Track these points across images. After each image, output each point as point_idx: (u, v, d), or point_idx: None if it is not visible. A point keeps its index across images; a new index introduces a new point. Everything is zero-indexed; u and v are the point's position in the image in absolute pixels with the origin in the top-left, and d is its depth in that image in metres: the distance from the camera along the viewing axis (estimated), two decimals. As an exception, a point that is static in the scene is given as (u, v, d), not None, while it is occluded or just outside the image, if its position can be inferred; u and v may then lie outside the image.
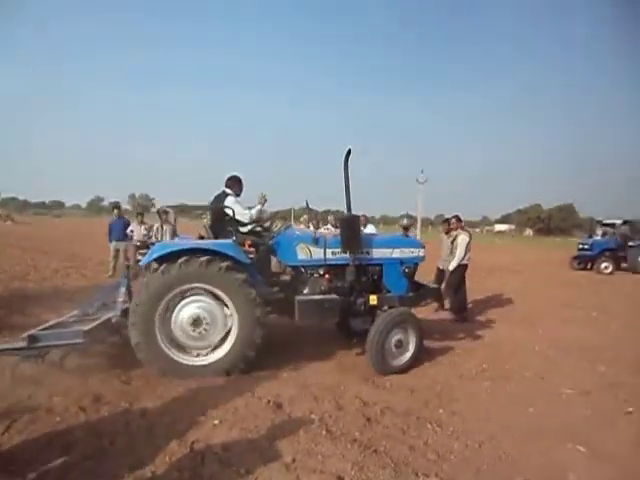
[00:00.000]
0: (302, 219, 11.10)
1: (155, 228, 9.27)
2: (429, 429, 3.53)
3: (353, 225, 4.98)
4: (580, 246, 18.11)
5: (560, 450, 3.30)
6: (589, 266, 17.40)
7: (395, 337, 4.74)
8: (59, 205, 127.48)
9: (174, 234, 7.28)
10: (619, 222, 18.45)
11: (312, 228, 5.24)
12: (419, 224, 27.55)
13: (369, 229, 8.50)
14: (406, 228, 5.61)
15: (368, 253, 5.17)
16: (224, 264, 4.31)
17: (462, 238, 7.55)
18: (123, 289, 4.87)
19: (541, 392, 4.39)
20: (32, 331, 4.14)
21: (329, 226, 8.94)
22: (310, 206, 5.33)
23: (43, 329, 4.28)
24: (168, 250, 4.33)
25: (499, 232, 72.03)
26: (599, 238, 18.27)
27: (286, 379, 4.36)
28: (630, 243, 17.42)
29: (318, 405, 3.78)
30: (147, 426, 3.31)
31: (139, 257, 8.51)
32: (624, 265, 17.25)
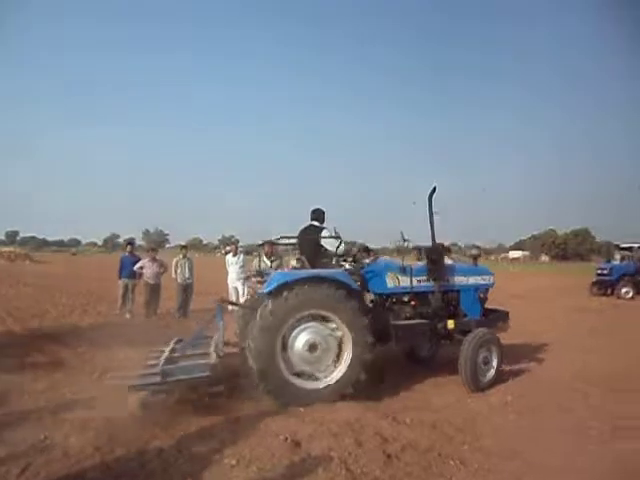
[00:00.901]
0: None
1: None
2: (452, 466, 3.40)
3: (438, 255, 5.39)
4: (599, 271, 17.81)
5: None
6: (609, 291, 17.04)
7: (482, 355, 5.18)
8: (76, 243, 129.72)
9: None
10: (637, 246, 18.16)
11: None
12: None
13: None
14: (475, 257, 6.27)
15: (448, 280, 5.57)
16: (341, 292, 4.57)
17: None
18: (222, 323, 4.94)
19: (568, 427, 4.21)
20: (164, 367, 4.31)
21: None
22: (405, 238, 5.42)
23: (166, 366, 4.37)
24: (290, 278, 4.52)
25: (514, 259, 71.24)
26: (618, 262, 17.97)
27: (303, 415, 4.26)
28: (650, 267, 17.09)
29: (337, 442, 3.67)
30: (163, 467, 3.25)
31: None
32: (645, 290, 16.87)
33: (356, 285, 4.83)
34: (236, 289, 10.40)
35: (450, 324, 5.39)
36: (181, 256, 10.48)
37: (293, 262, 5.47)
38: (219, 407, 4.36)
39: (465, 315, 5.70)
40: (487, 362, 5.24)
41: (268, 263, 7.51)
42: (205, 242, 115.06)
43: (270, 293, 4.51)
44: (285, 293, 4.44)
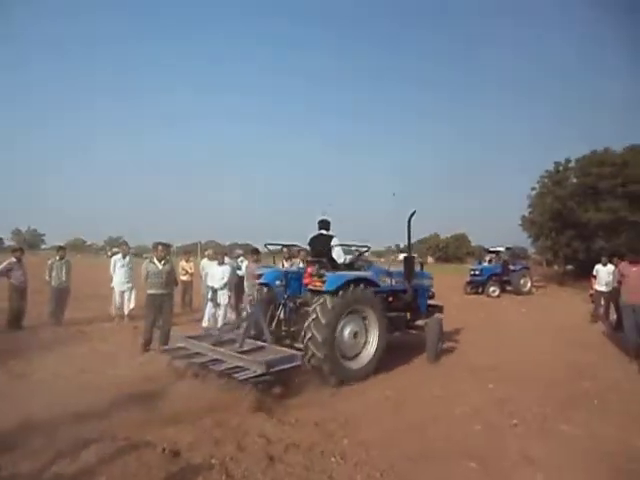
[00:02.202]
0: (206, 253, 10.90)
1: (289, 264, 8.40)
2: (333, 462, 3.51)
3: (411, 262, 7.06)
4: (472, 272, 19.72)
5: (454, 468, 3.47)
6: (480, 290, 18.97)
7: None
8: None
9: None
10: (502, 249, 20.47)
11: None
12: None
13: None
14: (422, 264, 7.89)
15: (414, 282, 7.07)
16: (372, 290, 5.97)
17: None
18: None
19: (438, 414, 4.61)
20: (267, 358, 4.69)
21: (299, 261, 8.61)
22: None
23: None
24: (343, 280, 5.54)
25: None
26: (487, 264, 20.07)
27: (184, 422, 4.04)
28: (511, 267, 19.38)
29: (219, 449, 3.58)
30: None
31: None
32: (509, 288, 19.08)
33: (381, 284, 6.30)
34: (122, 293, 9.73)
35: (408, 315, 7.14)
36: (57, 258, 9.48)
37: (286, 264, 7.33)
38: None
39: (418, 308, 7.28)
40: (440, 339, 6.96)
41: (159, 266, 7.13)
42: (89, 243, 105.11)
43: (329, 292, 5.39)
44: (341, 292, 5.46)
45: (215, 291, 8.84)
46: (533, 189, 26.38)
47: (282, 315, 6.04)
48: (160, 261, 7.22)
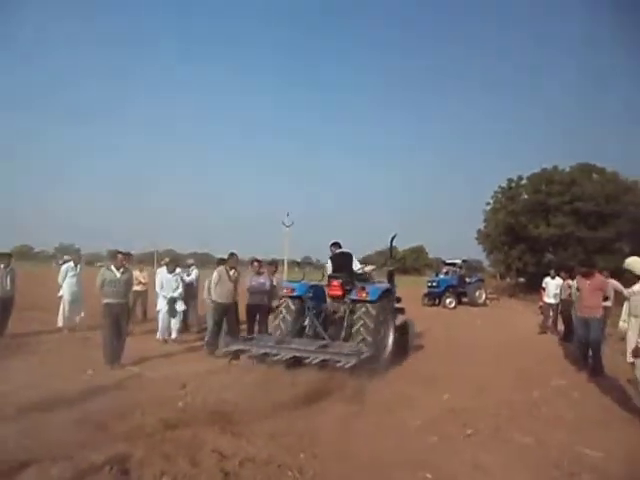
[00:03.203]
0: (162, 262, 10.62)
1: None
2: (290, 476, 3.44)
3: (393, 275, 8.21)
4: (429, 284, 20.18)
5: (409, 479, 3.48)
6: (437, 302, 19.41)
7: None
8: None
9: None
10: (459, 261, 21.09)
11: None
12: (285, 267, 27.97)
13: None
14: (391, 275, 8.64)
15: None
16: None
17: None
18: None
19: (394, 425, 4.63)
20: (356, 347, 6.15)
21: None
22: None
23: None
24: (382, 290, 7.00)
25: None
26: (443, 276, 20.60)
27: (134, 438, 3.87)
28: (467, 280, 19.98)
29: (170, 465, 3.43)
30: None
31: None
32: (465, 300, 19.64)
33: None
34: (72, 303, 9.29)
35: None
36: (2, 266, 8.94)
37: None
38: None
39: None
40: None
41: (117, 274, 6.87)
42: (37, 250, 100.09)
43: (372, 301, 6.62)
44: (384, 300, 7.00)
45: (171, 301, 8.61)
46: (488, 204, 27.53)
47: (310, 322, 7.09)
48: (118, 269, 6.96)
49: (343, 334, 6.76)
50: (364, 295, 6.64)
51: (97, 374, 6.07)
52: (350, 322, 6.74)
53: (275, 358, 6.06)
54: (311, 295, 7.13)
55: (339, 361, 5.73)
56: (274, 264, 9.43)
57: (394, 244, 8.79)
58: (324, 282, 7.54)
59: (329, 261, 7.71)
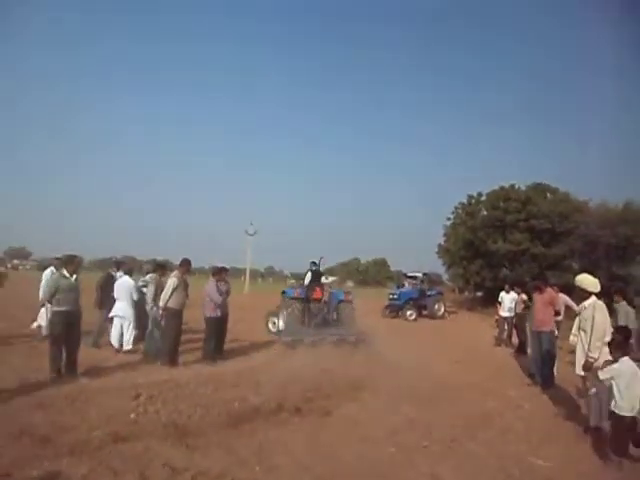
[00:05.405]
0: (120, 270, 10.20)
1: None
2: (244, 490, 3.34)
3: (317, 276, 11.25)
4: (390, 296, 20.39)
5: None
6: (398, 314, 19.62)
7: None
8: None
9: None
10: (420, 275, 21.46)
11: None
12: (247, 276, 27.64)
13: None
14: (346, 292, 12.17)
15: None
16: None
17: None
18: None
19: (352, 436, 4.58)
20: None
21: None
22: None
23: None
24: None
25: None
26: (405, 289, 20.89)
27: (79, 452, 3.66)
28: (428, 292, 20.34)
29: (118, 481, 3.27)
30: None
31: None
32: (424, 312, 19.96)
33: None
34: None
35: None
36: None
37: (292, 281, 12.20)
38: None
39: None
40: None
41: (72, 280, 6.53)
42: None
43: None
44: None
45: (125, 308, 8.29)
46: (448, 219, 28.19)
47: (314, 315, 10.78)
48: (72, 275, 6.62)
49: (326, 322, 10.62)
50: (350, 298, 11.40)
51: (42, 384, 5.72)
52: (336, 315, 10.95)
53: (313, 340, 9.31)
54: (304, 297, 10.70)
55: (349, 337, 9.69)
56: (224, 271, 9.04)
57: (320, 263, 11.46)
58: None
59: (309, 273, 10.89)
